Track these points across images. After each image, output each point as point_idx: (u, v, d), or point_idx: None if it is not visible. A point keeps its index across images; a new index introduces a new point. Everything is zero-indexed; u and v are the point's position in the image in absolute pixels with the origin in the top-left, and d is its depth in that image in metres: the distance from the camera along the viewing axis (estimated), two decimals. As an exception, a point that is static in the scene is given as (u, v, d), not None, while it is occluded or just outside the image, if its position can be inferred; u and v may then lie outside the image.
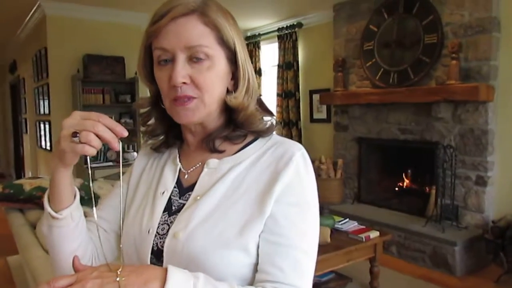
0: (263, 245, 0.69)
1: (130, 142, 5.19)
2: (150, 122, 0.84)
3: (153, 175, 0.86)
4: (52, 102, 4.80)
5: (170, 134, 0.86)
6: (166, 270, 0.60)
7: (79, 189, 0.83)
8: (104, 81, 4.79)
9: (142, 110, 0.85)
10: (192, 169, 0.81)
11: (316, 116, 5.23)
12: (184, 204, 0.76)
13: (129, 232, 0.79)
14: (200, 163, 0.80)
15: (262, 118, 0.79)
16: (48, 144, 5.13)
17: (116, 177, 3.73)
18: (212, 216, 0.71)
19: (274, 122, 0.81)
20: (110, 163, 4.83)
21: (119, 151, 0.63)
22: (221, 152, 0.79)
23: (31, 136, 6.30)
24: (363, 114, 4.36)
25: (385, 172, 4.46)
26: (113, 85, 4.87)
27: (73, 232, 0.77)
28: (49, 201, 0.75)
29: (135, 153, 5.12)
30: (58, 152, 0.67)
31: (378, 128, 4.21)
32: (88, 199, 2.49)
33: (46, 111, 5.04)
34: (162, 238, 0.74)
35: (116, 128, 0.63)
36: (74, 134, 0.62)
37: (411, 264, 3.46)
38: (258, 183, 0.72)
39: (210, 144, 0.78)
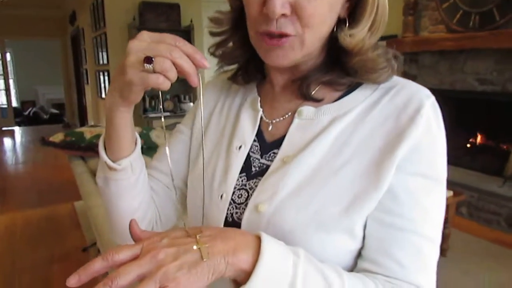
0: (373, 226, 0.52)
1: (186, 92, 5.13)
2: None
3: (225, 122, 0.67)
4: (110, 51, 4.83)
5: (252, 63, 0.65)
6: (259, 238, 0.46)
7: None
8: (159, 29, 4.70)
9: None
10: (278, 119, 0.62)
11: (380, 65, 4.86)
12: (267, 166, 0.58)
13: (195, 194, 0.64)
14: (290, 113, 0.61)
15: (386, 66, 0.55)
16: (107, 94, 5.27)
17: (174, 127, 3.70)
18: (307, 187, 0.53)
19: (395, 64, 0.57)
20: (167, 113, 4.85)
21: (197, 89, 0.49)
22: (318, 100, 0.59)
23: (92, 87, 6.49)
24: (435, 63, 3.95)
25: (457, 127, 4.08)
26: (168, 33, 4.78)
27: (133, 188, 0.63)
28: (105, 148, 0.62)
29: (191, 104, 5.07)
30: (121, 84, 0.50)
31: (452, 78, 3.80)
32: (147, 148, 2.46)
33: (105, 61, 5.09)
34: (239, 208, 0.58)
35: (195, 55, 0.47)
36: (148, 60, 0.46)
37: (483, 226, 3.20)
38: (372, 143, 0.53)
39: (304, 89, 0.59)
